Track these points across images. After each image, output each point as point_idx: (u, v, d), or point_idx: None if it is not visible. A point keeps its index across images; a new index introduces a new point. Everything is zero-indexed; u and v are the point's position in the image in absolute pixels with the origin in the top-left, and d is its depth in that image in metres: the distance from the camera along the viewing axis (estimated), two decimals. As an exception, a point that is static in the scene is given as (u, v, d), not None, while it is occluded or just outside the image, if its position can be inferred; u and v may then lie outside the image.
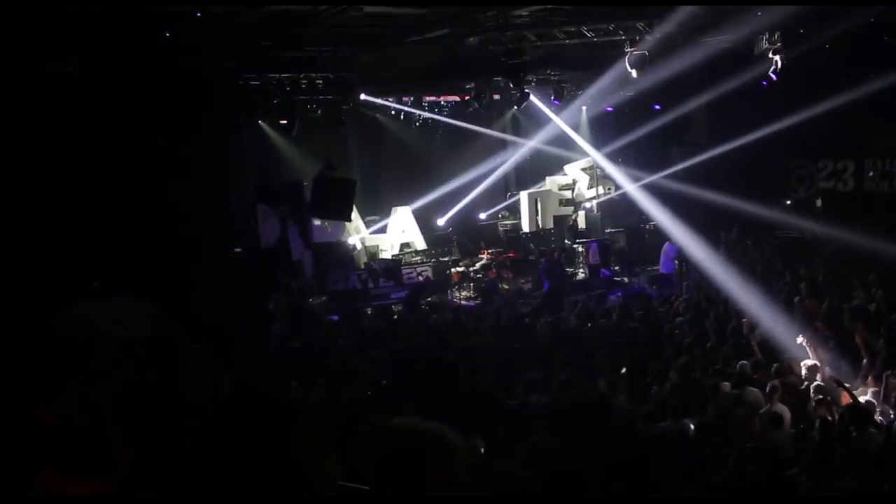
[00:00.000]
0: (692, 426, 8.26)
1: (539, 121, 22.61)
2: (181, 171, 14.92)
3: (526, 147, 23.20)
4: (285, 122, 18.07)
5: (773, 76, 16.25)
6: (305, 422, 1.99)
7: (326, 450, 2.03)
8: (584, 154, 22.70)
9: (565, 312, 14.76)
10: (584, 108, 22.71)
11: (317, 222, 18.10)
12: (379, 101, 20.33)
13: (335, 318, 17.44)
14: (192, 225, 15.14)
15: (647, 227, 21.66)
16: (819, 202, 20.36)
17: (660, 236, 20.07)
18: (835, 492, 2.00)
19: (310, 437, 1.98)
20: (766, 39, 15.55)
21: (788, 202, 20.96)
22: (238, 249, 17.22)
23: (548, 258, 18.93)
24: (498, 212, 22.84)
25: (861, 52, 17.00)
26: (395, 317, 16.44)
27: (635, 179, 21.33)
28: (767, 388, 9.39)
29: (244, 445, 1.91)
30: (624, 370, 10.69)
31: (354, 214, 17.74)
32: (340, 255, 18.92)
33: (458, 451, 2.24)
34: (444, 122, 21.89)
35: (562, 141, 22.88)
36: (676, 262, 18.63)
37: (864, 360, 10.28)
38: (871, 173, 19.28)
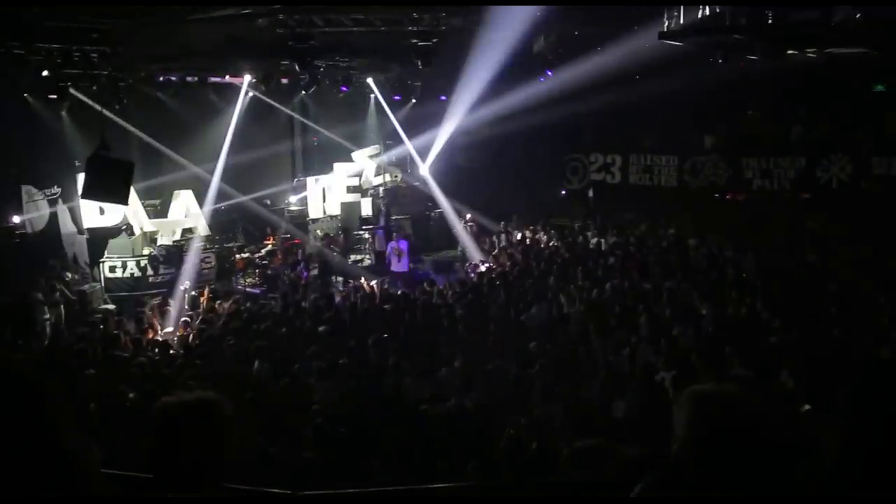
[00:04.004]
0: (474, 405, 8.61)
1: (329, 107, 22.58)
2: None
3: (316, 133, 23.20)
4: (55, 97, 16.82)
5: (549, 73, 17.12)
6: (61, 404, 1.89)
7: (85, 433, 1.95)
8: (372, 142, 23.06)
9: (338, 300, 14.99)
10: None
11: (90, 205, 16.99)
12: (161, 78, 19.36)
13: (112, 307, 16.52)
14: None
15: (433, 214, 22.22)
16: (591, 192, 21.71)
17: (446, 223, 20.82)
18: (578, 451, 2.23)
19: (66, 419, 1.88)
20: (545, 39, 16.35)
21: (564, 192, 22.22)
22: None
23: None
24: (285, 197, 22.50)
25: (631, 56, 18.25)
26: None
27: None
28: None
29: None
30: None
31: (133, 198, 16.79)
32: (117, 241, 17.87)
33: (227, 412, 2.33)
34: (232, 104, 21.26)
35: (352, 129, 23.14)
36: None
37: None
38: (634, 167, 20.79)
